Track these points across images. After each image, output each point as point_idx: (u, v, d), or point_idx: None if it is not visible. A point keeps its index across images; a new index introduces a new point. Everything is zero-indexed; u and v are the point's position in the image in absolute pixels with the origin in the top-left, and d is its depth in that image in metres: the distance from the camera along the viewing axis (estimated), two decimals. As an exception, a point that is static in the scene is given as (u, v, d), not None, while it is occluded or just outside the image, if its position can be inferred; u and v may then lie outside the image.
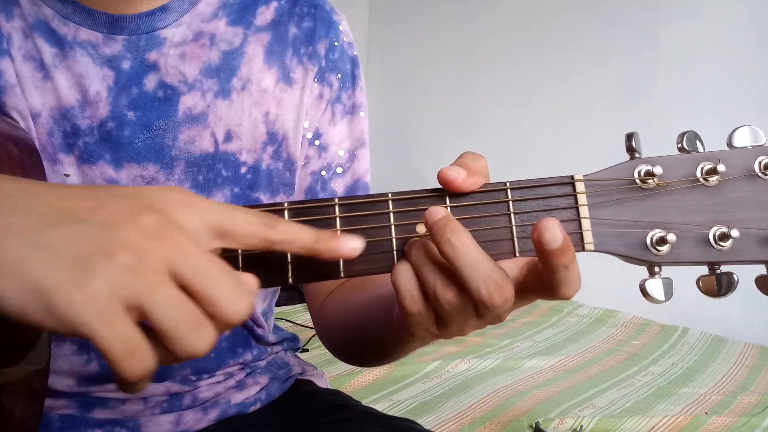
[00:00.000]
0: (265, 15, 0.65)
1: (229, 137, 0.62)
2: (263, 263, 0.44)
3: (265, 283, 0.43)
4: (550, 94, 2.49)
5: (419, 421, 0.73)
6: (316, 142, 0.68)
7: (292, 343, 0.79)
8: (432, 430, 0.68)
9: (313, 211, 0.44)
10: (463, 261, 0.40)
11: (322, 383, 0.76)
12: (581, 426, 1.32)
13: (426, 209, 0.43)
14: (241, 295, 0.34)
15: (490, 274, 0.40)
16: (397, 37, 3.12)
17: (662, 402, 1.51)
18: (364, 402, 0.74)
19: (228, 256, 0.43)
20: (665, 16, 2.16)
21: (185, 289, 0.33)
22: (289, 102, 0.65)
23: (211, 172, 0.62)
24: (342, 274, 0.44)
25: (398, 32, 3.12)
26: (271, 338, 0.73)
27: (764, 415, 1.43)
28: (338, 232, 0.44)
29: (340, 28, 0.68)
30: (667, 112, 2.13)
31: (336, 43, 0.67)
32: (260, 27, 0.65)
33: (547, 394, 1.51)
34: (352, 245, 0.39)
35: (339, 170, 0.69)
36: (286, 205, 0.44)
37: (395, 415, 0.84)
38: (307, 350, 1.66)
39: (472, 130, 2.79)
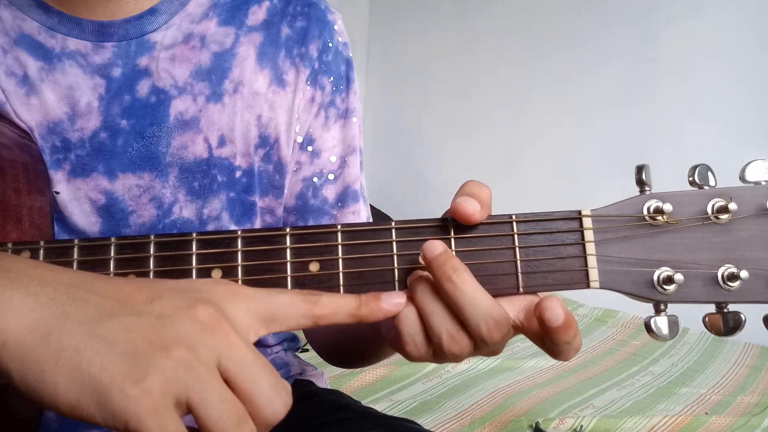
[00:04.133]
0: (257, 15, 0.63)
1: (222, 142, 0.61)
2: (263, 282, 0.43)
3: None
4: (550, 95, 2.49)
5: (419, 421, 0.73)
6: (309, 148, 0.66)
7: (291, 343, 0.79)
8: (432, 430, 0.68)
9: (315, 237, 0.44)
10: (463, 299, 0.40)
11: (321, 383, 0.76)
12: (581, 426, 1.32)
13: (429, 239, 0.42)
14: (279, 393, 0.34)
15: (491, 312, 0.40)
16: (397, 37, 3.12)
17: (662, 402, 1.51)
18: (364, 402, 0.74)
19: (229, 281, 0.43)
20: (665, 17, 2.16)
21: (228, 383, 0.33)
22: (281, 105, 0.63)
23: (207, 178, 0.61)
24: None
25: (398, 32, 3.11)
26: (271, 339, 0.73)
27: (764, 415, 1.43)
28: (340, 260, 0.44)
29: (335, 27, 0.66)
30: (667, 113, 2.13)
31: (330, 44, 0.65)
32: (252, 27, 0.63)
33: (547, 394, 1.51)
34: (395, 301, 0.40)
35: (331, 177, 0.67)
36: (288, 230, 0.44)
37: (395, 415, 0.84)
38: (307, 350, 1.65)
39: (472, 130, 2.79)
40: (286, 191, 0.66)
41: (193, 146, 0.60)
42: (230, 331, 0.34)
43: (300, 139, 0.65)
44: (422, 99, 3.02)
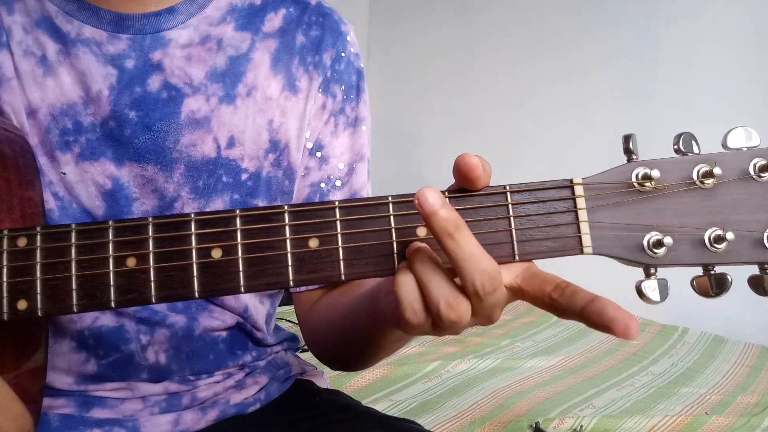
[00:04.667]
0: (273, 22, 0.65)
1: (231, 143, 0.62)
2: (263, 266, 0.43)
3: (265, 287, 0.43)
4: (550, 95, 2.49)
5: (419, 421, 0.73)
6: (318, 154, 0.67)
7: (291, 343, 0.79)
8: (432, 430, 0.68)
9: (313, 214, 0.44)
10: (462, 254, 0.40)
11: (322, 383, 0.76)
12: (581, 426, 1.32)
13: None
14: None
15: (486, 267, 0.40)
16: (397, 37, 3.12)
17: (662, 402, 1.51)
18: (364, 402, 0.74)
19: (229, 259, 0.43)
20: (665, 16, 2.16)
21: None
22: (293, 111, 0.65)
23: (212, 178, 0.62)
24: (343, 277, 0.44)
25: (398, 32, 3.12)
26: (270, 340, 0.73)
27: (764, 415, 1.43)
28: (339, 236, 0.44)
29: (348, 38, 0.68)
30: (667, 113, 2.13)
31: (342, 54, 0.67)
32: (268, 33, 0.64)
33: (547, 394, 1.51)
34: None
35: (338, 183, 0.68)
36: (286, 208, 0.44)
37: (395, 415, 0.84)
38: (306, 350, 1.65)
39: (472, 130, 2.79)
40: (294, 196, 0.67)
41: (202, 145, 0.61)
42: None
43: (310, 145, 0.67)
44: (422, 99, 3.02)
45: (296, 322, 1.94)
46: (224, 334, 0.67)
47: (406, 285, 0.42)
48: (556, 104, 2.48)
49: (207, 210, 0.62)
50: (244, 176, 0.63)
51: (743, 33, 1.99)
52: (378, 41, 3.21)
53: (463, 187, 0.45)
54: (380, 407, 1.30)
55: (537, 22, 2.55)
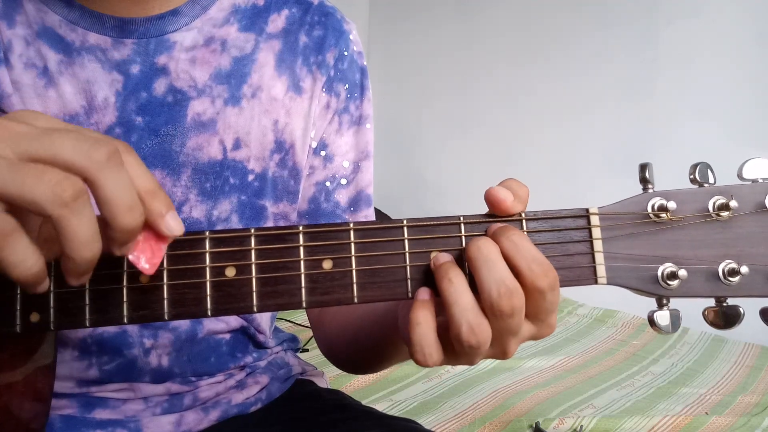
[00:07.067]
0: (276, 23, 0.65)
1: (237, 145, 0.62)
2: (276, 286, 0.43)
3: (277, 307, 0.43)
4: (550, 94, 2.49)
5: (419, 421, 0.73)
6: (322, 153, 0.67)
7: (291, 343, 0.79)
8: (432, 430, 0.68)
9: (328, 235, 0.44)
10: (482, 258, 0.40)
11: (322, 383, 0.76)
12: (581, 426, 1.32)
13: (441, 237, 0.44)
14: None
15: (504, 279, 0.40)
16: (397, 37, 3.12)
17: (662, 402, 1.51)
18: (364, 402, 0.74)
19: (242, 278, 0.43)
20: (665, 16, 2.16)
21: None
22: (297, 111, 0.65)
23: (219, 180, 0.62)
24: (356, 300, 0.43)
25: (398, 32, 3.11)
26: (271, 342, 0.73)
27: (764, 415, 1.43)
28: (353, 258, 0.43)
29: (351, 37, 0.68)
30: (667, 112, 2.13)
31: (345, 53, 0.67)
32: (271, 34, 0.64)
33: (547, 394, 1.51)
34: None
35: (343, 181, 0.68)
36: (301, 228, 0.44)
37: (395, 415, 0.84)
38: (307, 350, 1.66)
39: (472, 130, 2.79)
40: (299, 195, 0.67)
41: (208, 147, 0.61)
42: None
43: (314, 145, 0.67)
44: (422, 99, 3.02)
45: (296, 322, 1.94)
46: (227, 336, 0.67)
47: (420, 327, 0.41)
48: (555, 104, 2.48)
49: (215, 212, 0.62)
50: (250, 177, 0.63)
51: (743, 33, 1.99)
52: (378, 40, 3.21)
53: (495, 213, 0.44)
54: (380, 407, 1.30)
55: (537, 22, 2.55)
